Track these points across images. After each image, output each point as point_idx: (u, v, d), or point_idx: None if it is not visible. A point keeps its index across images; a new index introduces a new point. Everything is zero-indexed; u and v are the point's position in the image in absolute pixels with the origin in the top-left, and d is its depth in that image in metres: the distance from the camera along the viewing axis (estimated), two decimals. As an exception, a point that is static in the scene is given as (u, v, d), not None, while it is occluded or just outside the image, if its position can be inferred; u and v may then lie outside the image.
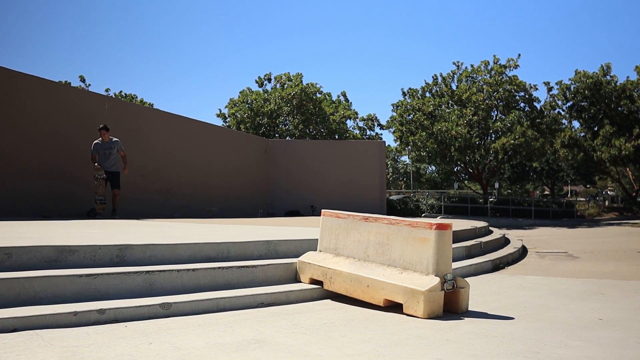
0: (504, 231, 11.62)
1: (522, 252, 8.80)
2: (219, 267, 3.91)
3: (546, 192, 62.79)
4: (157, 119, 16.06)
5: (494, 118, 25.89)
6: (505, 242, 9.46)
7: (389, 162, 50.45)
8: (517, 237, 11.30)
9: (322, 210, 4.67)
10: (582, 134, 32.28)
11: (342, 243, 4.24)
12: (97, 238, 4.38)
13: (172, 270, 3.71)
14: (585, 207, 34.33)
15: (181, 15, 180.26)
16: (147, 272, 3.59)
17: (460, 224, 9.92)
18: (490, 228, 11.00)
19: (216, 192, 17.39)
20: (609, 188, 65.25)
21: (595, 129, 31.41)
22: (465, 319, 3.25)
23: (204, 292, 3.66)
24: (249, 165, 19.80)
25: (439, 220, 4.18)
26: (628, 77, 31.34)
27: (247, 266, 4.05)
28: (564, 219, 26.70)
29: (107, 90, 31.04)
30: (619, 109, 30.39)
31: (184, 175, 16.47)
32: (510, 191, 58.71)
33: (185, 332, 2.88)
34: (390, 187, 49.65)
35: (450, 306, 3.50)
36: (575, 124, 33.04)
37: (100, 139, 10.30)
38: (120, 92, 32.61)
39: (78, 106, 12.25)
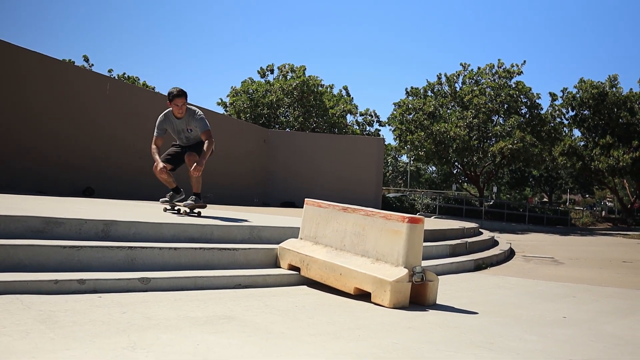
0: (494, 234, 11.74)
1: (509, 255, 8.91)
2: (201, 248, 4.02)
3: (545, 199, 62.89)
4: (158, 103, 16.14)
5: (495, 122, 25.93)
6: (493, 244, 9.57)
7: (389, 160, 50.55)
8: (507, 240, 11.42)
9: (305, 199, 4.77)
10: (582, 143, 32.36)
11: (322, 232, 4.34)
12: (85, 213, 4.49)
13: (154, 247, 3.82)
14: (579, 215, 34.44)
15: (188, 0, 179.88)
16: (130, 247, 3.70)
17: (450, 224, 10.04)
18: (481, 230, 11.11)
19: (213, 178, 17.45)
20: (608, 199, 65.40)
21: (596, 138, 31.49)
22: (430, 310, 3.36)
23: (183, 271, 3.77)
24: (247, 154, 19.89)
25: (420, 216, 4.25)
26: (632, 89, 31.37)
27: (228, 249, 4.16)
28: (557, 226, 26.82)
29: (110, 71, 31.09)
30: (620, 120, 30.46)
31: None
32: (509, 196, 58.81)
33: (159, 305, 2.99)
34: (389, 185, 49.74)
35: (418, 298, 3.60)
36: (576, 132, 33.10)
37: (169, 110, 5.68)
38: (124, 73, 32.62)
39: (79, 86, 12.33)
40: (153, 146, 5.59)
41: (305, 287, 4.08)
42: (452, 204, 27.50)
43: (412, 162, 41.54)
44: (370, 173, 19.54)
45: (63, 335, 2.27)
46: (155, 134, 5.65)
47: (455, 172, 31.37)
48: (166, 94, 5.60)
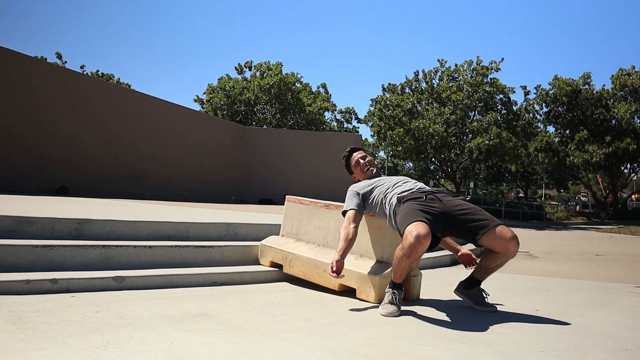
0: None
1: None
2: (176, 246, 3.99)
3: (520, 195, 63.78)
4: (133, 100, 15.97)
5: (472, 118, 26.21)
6: (469, 239, 9.64)
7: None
8: (482, 235, 11.53)
9: (287, 196, 4.76)
10: (557, 139, 32.91)
11: (304, 229, 4.34)
12: (58, 212, 4.42)
13: (129, 245, 3.78)
14: (554, 210, 35.02)
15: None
16: (104, 246, 3.66)
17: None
18: (457, 225, 11.20)
19: (190, 176, 17.39)
20: (582, 194, 66.64)
21: (570, 134, 32.06)
22: (410, 306, 3.38)
23: (159, 269, 3.75)
24: (224, 152, 19.79)
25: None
26: (604, 85, 32.04)
27: (204, 246, 4.14)
28: (533, 221, 27.25)
29: (82, 68, 30.65)
30: (594, 116, 31.05)
31: (158, 158, 16.41)
32: (485, 191, 59.49)
33: (133, 304, 2.96)
34: (367, 181, 49.75)
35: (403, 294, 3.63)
36: (550, 129, 33.66)
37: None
38: (97, 71, 32.19)
39: (53, 83, 12.13)
40: None
41: (284, 283, 4.08)
42: (429, 199, 27.69)
43: (389, 158, 41.76)
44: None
45: (34, 335, 2.24)
46: None
47: (432, 168, 31.63)
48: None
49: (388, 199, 3.50)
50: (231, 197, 18.45)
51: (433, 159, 27.50)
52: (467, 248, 4.08)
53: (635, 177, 42.96)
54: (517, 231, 3.47)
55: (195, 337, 2.38)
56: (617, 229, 20.23)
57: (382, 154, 46.14)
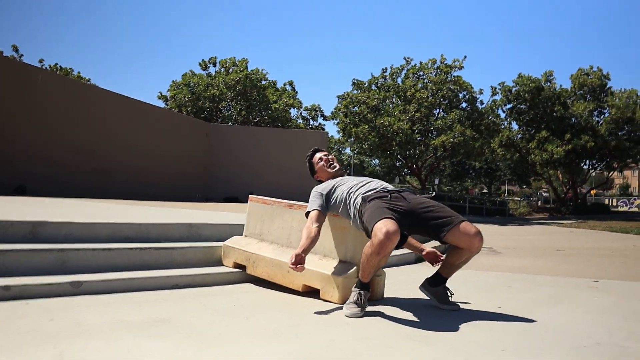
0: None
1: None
2: (137, 248, 3.89)
3: (484, 191, 64.94)
4: (95, 96, 15.60)
5: (436, 116, 26.51)
6: (434, 236, 9.72)
7: (333, 154, 50.93)
8: (447, 231, 11.66)
9: (250, 196, 4.71)
10: (519, 136, 33.61)
11: (267, 229, 4.30)
12: (13, 214, 4.27)
13: (86, 249, 3.67)
14: (517, 206, 35.77)
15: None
16: (60, 250, 3.54)
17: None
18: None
19: (154, 174, 17.10)
20: (543, 189, 68.26)
21: (532, 132, 32.77)
22: (375, 306, 3.38)
23: (118, 272, 3.65)
24: (189, 149, 19.54)
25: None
26: (561, 85, 32.90)
27: (165, 248, 4.05)
28: (496, 217, 27.77)
29: (40, 62, 29.82)
30: (554, 114, 31.81)
31: (121, 156, 16.09)
32: (450, 187, 60.33)
33: (91, 310, 2.87)
34: (334, 179, 49.91)
35: (367, 294, 3.62)
36: (514, 125, 34.35)
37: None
38: (56, 64, 31.35)
39: (9, 77, 11.75)
40: None
41: (248, 284, 4.03)
42: (395, 196, 27.91)
43: (355, 155, 41.93)
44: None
45: (-17, 346, 2.15)
46: None
47: (398, 164, 31.91)
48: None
49: (352, 199, 3.49)
50: (196, 195, 18.23)
51: (398, 156, 27.75)
52: (430, 246, 4.09)
53: (594, 173, 44.21)
54: (481, 227, 3.50)
55: (155, 343, 2.32)
56: (577, 223, 20.78)
57: (348, 150, 46.30)
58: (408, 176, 38.56)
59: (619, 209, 49.13)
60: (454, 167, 50.32)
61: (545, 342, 2.61)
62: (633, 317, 3.36)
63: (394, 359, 2.25)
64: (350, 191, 3.55)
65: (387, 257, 3.10)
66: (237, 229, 4.70)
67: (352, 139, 26.31)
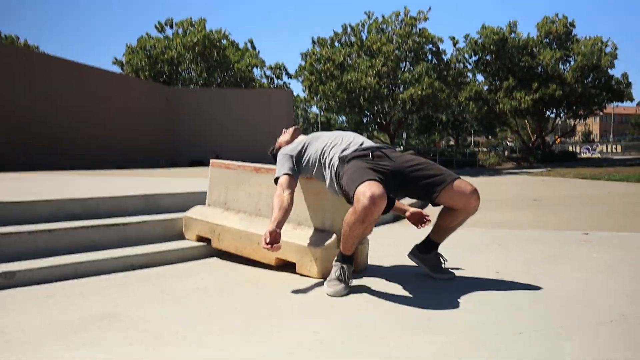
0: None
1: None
2: (82, 227, 3.37)
3: (451, 143, 65.25)
4: (43, 64, 14.67)
5: (403, 69, 26.02)
6: (409, 192, 9.42)
7: (299, 112, 50.20)
8: (421, 187, 11.37)
9: (211, 160, 4.22)
10: (486, 87, 33.49)
11: (232, 196, 3.81)
12: None
13: (22, 232, 3.13)
14: (486, 157, 35.96)
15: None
16: (-12, 235, 3.00)
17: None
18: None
19: (113, 142, 16.35)
20: (509, 139, 69.07)
21: (499, 82, 32.65)
22: (360, 279, 2.96)
23: (61, 256, 3.13)
24: (149, 115, 18.78)
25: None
26: (529, 33, 32.67)
27: (117, 224, 3.53)
28: (466, 168, 27.76)
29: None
30: (521, 64, 31.67)
31: (76, 125, 15.32)
32: (418, 141, 60.44)
33: (22, 308, 2.37)
34: (301, 138, 49.49)
35: (349, 264, 3.20)
36: (480, 77, 34.21)
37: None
38: (-2, 32, 29.58)
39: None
40: None
41: (214, 259, 3.58)
42: (364, 152, 27.70)
43: (322, 112, 41.33)
44: (281, 126, 19.09)
45: None
46: None
47: (365, 120, 31.51)
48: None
49: (327, 160, 3.01)
50: (160, 161, 17.55)
51: (366, 112, 27.27)
52: (408, 205, 3.68)
53: (560, 122, 44.60)
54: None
55: (94, 352, 1.84)
56: (547, 172, 20.80)
57: (314, 108, 45.65)
58: (375, 131, 38.24)
59: (582, 155, 50.16)
60: (422, 120, 50.16)
61: (564, 318, 2.23)
62: (645, 276, 3.05)
63: (393, 359, 1.83)
64: (325, 149, 3.07)
65: (372, 225, 2.67)
66: (200, 198, 4.18)
67: (317, 97, 25.68)
